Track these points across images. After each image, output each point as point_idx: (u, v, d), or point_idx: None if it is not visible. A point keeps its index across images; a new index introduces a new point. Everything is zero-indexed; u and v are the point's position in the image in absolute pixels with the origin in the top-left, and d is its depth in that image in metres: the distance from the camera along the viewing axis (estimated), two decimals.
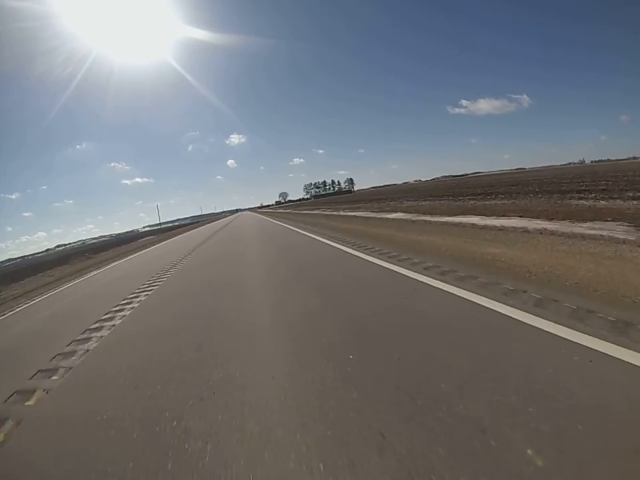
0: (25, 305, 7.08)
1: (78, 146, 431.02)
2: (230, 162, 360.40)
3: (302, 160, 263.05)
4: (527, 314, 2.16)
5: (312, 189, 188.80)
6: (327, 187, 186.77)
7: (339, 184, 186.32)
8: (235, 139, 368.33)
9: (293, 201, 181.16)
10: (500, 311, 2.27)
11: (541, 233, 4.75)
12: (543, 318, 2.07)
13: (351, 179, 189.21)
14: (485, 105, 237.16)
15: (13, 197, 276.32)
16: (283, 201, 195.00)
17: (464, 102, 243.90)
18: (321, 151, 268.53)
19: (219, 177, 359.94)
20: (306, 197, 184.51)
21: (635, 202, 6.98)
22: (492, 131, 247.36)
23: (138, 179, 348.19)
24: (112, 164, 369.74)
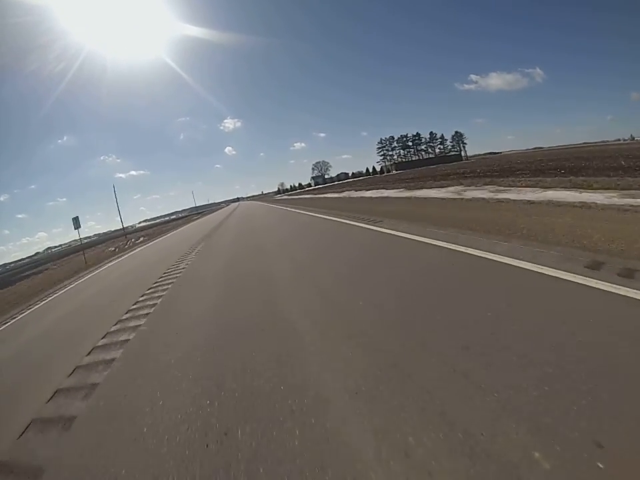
0: None
1: (59, 140, 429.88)
2: (228, 149, 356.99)
3: (303, 144, 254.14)
4: None
5: (394, 148, 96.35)
6: (421, 147, 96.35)
7: (442, 140, 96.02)
8: (229, 123, 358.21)
9: (354, 175, 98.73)
10: None
11: None
12: None
13: (460, 134, 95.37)
14: (496, 80, 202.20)
15: (2, 199, 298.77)
16: (322, 177, 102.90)
17: (473, 77, 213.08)
18: (322, 134, 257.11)
19: (217, 165, 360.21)
20: (378, 166, 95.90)
21: None
22: (499, 112, 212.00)
23: (133, 172, 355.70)
24: (102, 157, 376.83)
